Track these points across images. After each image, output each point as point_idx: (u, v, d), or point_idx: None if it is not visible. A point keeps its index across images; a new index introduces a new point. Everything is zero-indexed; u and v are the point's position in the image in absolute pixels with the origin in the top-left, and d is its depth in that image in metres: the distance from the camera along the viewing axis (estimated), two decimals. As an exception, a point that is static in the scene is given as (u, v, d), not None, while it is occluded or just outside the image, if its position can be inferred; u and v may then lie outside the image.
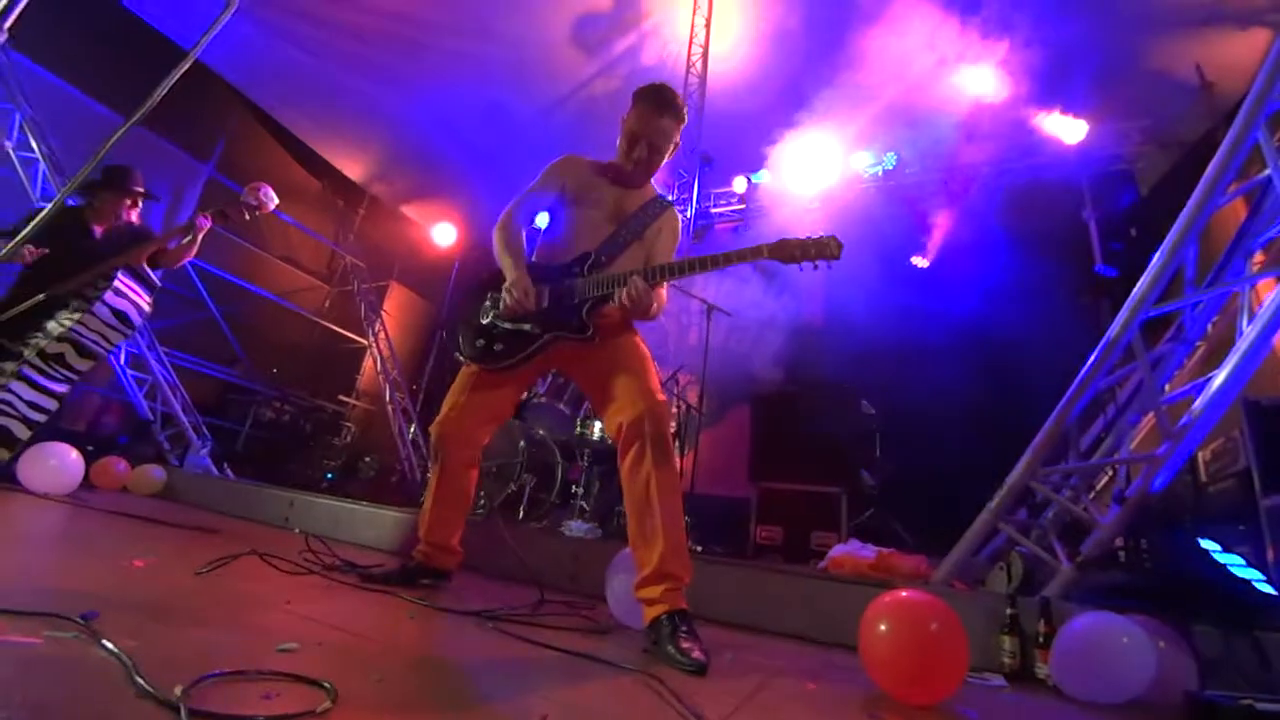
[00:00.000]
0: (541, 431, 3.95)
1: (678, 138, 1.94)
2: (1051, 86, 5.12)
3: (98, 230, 3.28)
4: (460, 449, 1.97)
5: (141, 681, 0.76)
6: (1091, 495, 2.47)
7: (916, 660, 1.29)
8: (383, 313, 8.66)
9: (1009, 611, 1.80)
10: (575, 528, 3.14)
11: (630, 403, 1.72)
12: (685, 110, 1.96)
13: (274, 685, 0.85)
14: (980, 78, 5.18)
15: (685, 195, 7.01)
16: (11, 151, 4.86)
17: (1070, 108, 5.30)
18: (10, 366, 2.81)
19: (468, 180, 7.56)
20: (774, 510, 4.20)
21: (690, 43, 5.88)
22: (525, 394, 2.19)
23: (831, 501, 4.01)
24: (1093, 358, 2.52)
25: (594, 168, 2.01)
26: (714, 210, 7.22)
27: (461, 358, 1.96)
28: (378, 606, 1.62)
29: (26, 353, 2.83)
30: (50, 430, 3.08)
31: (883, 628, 1.33)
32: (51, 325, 2.89)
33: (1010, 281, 4.88)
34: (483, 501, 3.54)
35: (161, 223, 6.11)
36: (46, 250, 3.01)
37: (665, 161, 1.96)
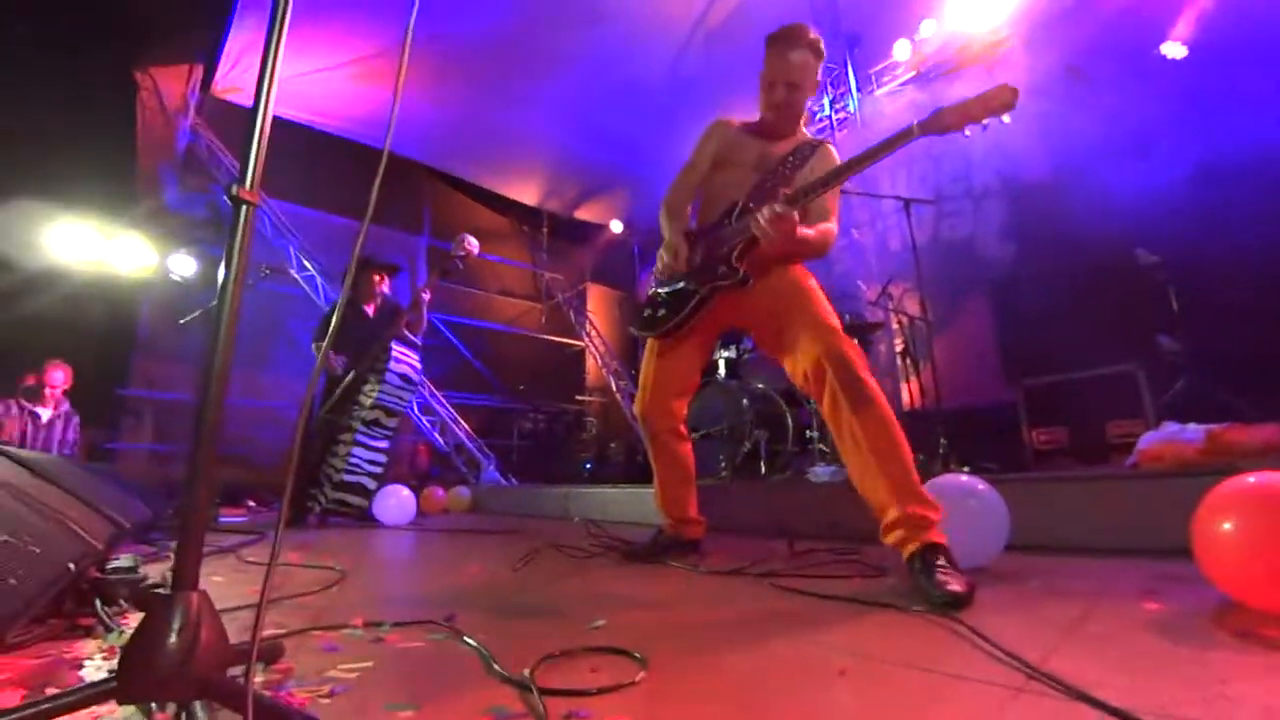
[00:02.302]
0: (760, 385, 3.94)
1: (818, 75, 1.86)
2: None
3: (369, 310, 4.10)
4: (661, 420, 2.06)
5: (499, 668, 0.93)
6: None
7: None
8: (588, 313, 9.43)
9: None
10: (820, 473, 3.08)
11: (805, 350, 1.63)
12: (822, 43, 1.83)
13: (596, 659, 0.98)
14: None
15: (842, 89, 6.32)
16: (296, 275, 6.30)
17: None
18: (348, 437, 3.71)
19: (623, 165, 7.78)
20: (1049, 408, 3.61)
21: (803, -78, 5.22)
22: (709, 357, 2.24)
23: (1124, 382, 3.30)
24: None
25: (741, 127, 1.99)
26: (880, 93, 6.34)
27: (635, 332, 2.07)
28: (659, 578, 1.78)
29: (355, 424, 3.69)
30: (385, 477, 3.96)
31: (1228, 525, 1.07)
32: (363, 399, 3.73)
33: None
34: (724, 465, 3.66)
35: (408, 291, 7.41)
36: (349, 357, 3.83)
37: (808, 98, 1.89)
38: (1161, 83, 4.21)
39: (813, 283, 1.82)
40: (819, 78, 1.88)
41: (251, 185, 0.79)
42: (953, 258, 5.33)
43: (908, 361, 3.93)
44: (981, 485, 1.62)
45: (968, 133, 1.44)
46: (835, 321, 1.69)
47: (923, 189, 5.51)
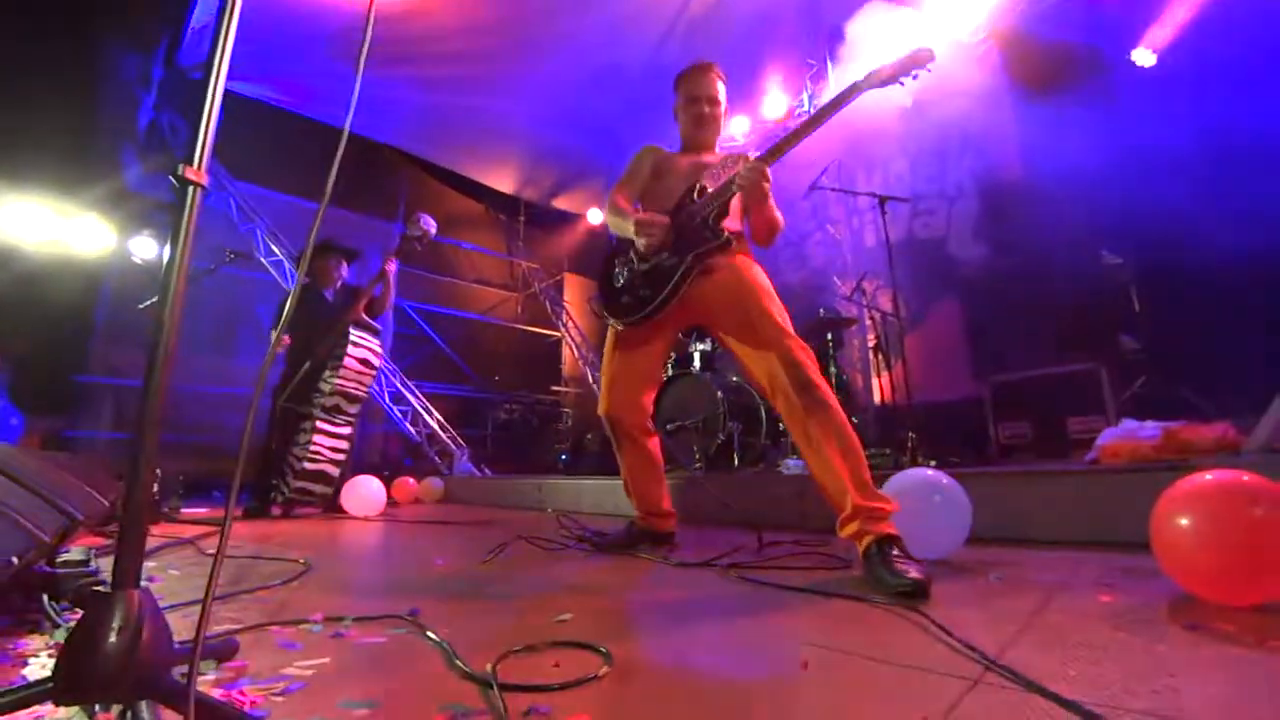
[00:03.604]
0: (735, 377, 3.95)
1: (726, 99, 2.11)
2: None
3: (329, 294, 4.03)
4: (631, 417, 2.07)
5: (460, 663, 0.92)
6: None
7: (1238, 555, 1.04)
8: (565, 304, 9.36)
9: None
10: (793, 465, 3.10)
11: (761, 353, 1.71)
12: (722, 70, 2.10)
13: (559, 654, 0.98)
14: None
15: (822, 84, 6.33)
16: (263, 260, 6.12)
17: None
18: (309, 425, 3.64)
19: (601, 155, 7.69)
20: (1015, 403, 3.71)
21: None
22: (670, 351, 2.32)
23: (1087, 379, 3.41)
24: None
25: (670, 152, 2.14)
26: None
27: (620, 324, 2.03)
28: (628, 570, 1.78)
29: (315, 412, 3.64)
30: (356, 466, 3.89)
31: (1184, 522, 1.10)
32: (323, 385, 3.67)
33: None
34: (698, 458, 3.67)
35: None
36: (305, 342, 3.74)
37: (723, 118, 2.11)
38: (1130, 89, 4.30)
39: (764, 279, 1.86)
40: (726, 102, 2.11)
41: (199, 166, 0.75)
42: (926, 256, 5.41)
43: (880, 357, 3.99)
44: (945, 479, 1.65)
45: (902, 82, 1.66)
46: (788, 324, 1.74)
47: (898, 188, 5.57)
